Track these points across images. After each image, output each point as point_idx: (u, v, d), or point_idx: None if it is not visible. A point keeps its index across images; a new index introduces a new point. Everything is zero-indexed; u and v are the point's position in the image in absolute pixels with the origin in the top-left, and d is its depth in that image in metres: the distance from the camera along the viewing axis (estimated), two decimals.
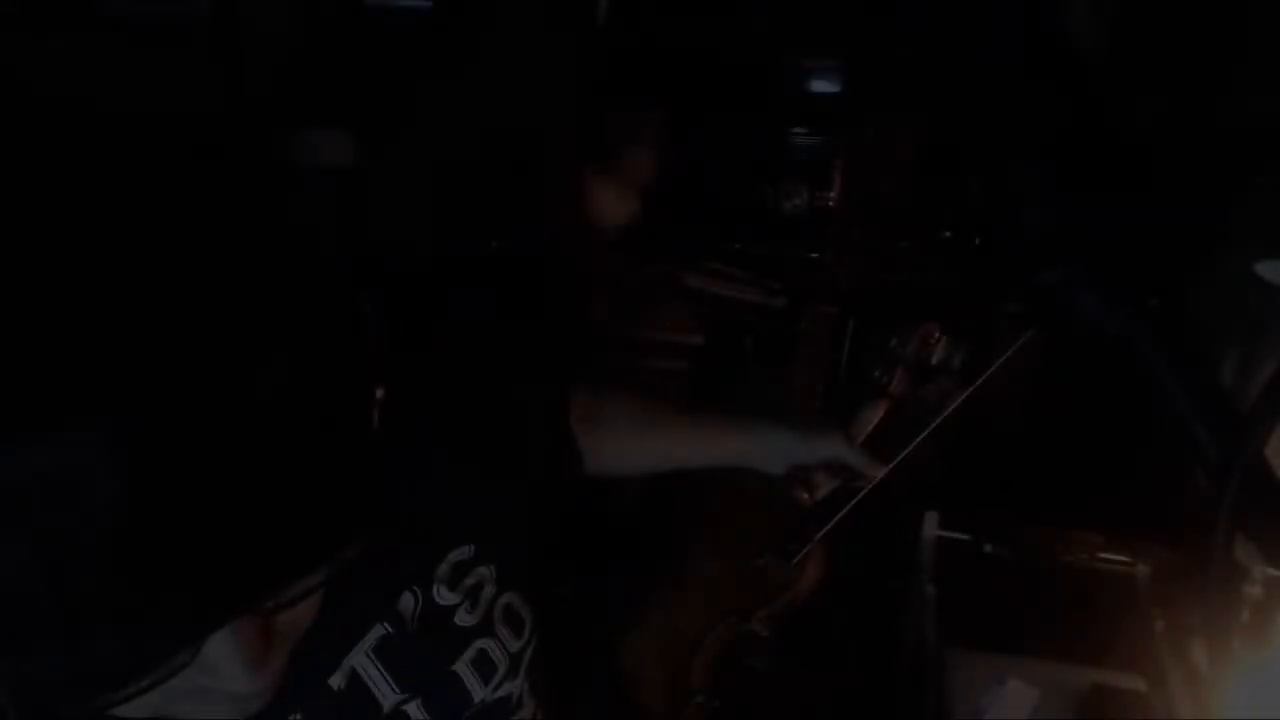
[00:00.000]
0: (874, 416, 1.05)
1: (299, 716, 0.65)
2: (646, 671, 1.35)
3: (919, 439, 1.00)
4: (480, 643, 0.75)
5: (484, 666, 0.75)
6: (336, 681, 0.68)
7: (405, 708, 0.71)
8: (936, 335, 1.12)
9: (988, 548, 1.32)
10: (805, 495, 1.02)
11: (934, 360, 1.11)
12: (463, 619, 0.74)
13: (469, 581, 0.75)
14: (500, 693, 0.76)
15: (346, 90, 1.73)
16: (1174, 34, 1.62)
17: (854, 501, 0.98)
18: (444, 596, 0.74)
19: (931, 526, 1.34)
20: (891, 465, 0.99)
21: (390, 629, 0.71)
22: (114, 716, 0.45)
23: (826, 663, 1.68)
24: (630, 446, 1.04)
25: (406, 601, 0.72)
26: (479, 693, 0.74)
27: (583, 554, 1.37)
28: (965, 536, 1.33)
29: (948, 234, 1.82)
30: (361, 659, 0.69)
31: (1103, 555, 1.31)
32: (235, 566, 0.41)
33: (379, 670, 0.70)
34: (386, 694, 0.70)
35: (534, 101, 1.78)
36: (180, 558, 0.39)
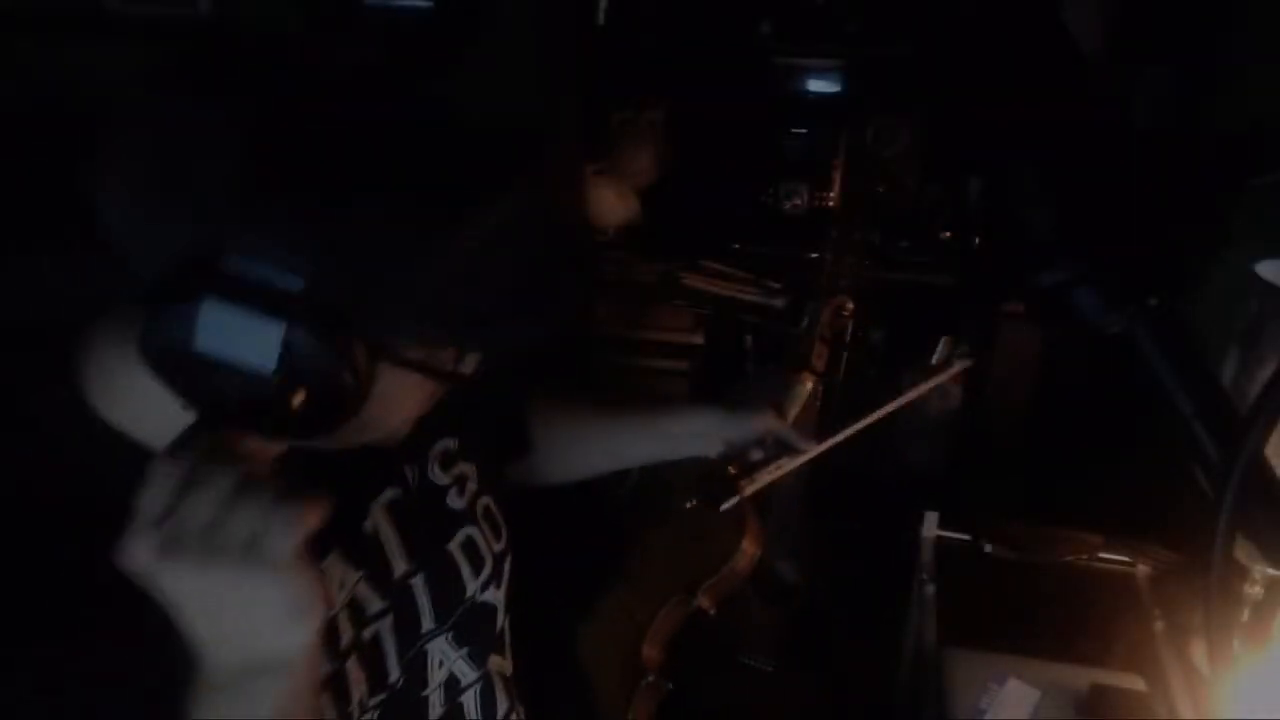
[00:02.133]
0: (802, 391, 1.06)
1: (338, 552, 0.69)
2: (604, 657, 1.37)
3: (854, 429, 1.02)
4: (468, 529, 0.81)
5: (472, 554, 0.80)
6: (369, 526, 0.73)
7: (411, 581, 0.75)
8: (848, 307, 1.14)
9: (988, 548, 1.32)
10: (736, 471, 1.02)
11: (933, 360, 1.12)
12: (453, 501, 0.81)
13: (456, 470, 0.82)
14: (487, 596, 0.81)
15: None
16: (1174, 34, 1.62)
17: (782, 468, 1.00)
18: (437, 475, 0.81)
19: (931, 526, 1.34)
20: (825, 446, 1.00)
21: (398, 491, 0.76)
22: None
23: (826, 663, 1.68)
24: (564, 453, 1.03)
25: (408, 472, 0.78)
26: (470, 584, 0.79)
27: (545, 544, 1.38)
28: (965, 536, 1.33)
29: (948, 234, 1.82)
30: (379, 513, 0.74)
31: (1103, 555, 1.31)
32: None
33: (391, 529, 0.74)
34: (397, 560, 0.74)
35: (534, 101, 1.78)
36: None
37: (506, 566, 0.84)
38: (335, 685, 0.67)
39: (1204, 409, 0.52)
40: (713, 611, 1.44)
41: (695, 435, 1.01)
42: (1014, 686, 1.06)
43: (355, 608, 0.70)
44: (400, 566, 0.74)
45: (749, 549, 1.45)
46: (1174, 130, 1.53)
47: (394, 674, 0.72)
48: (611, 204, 1.89)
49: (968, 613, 1.20)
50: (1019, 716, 1.03)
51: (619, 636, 1.39)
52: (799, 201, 1.90)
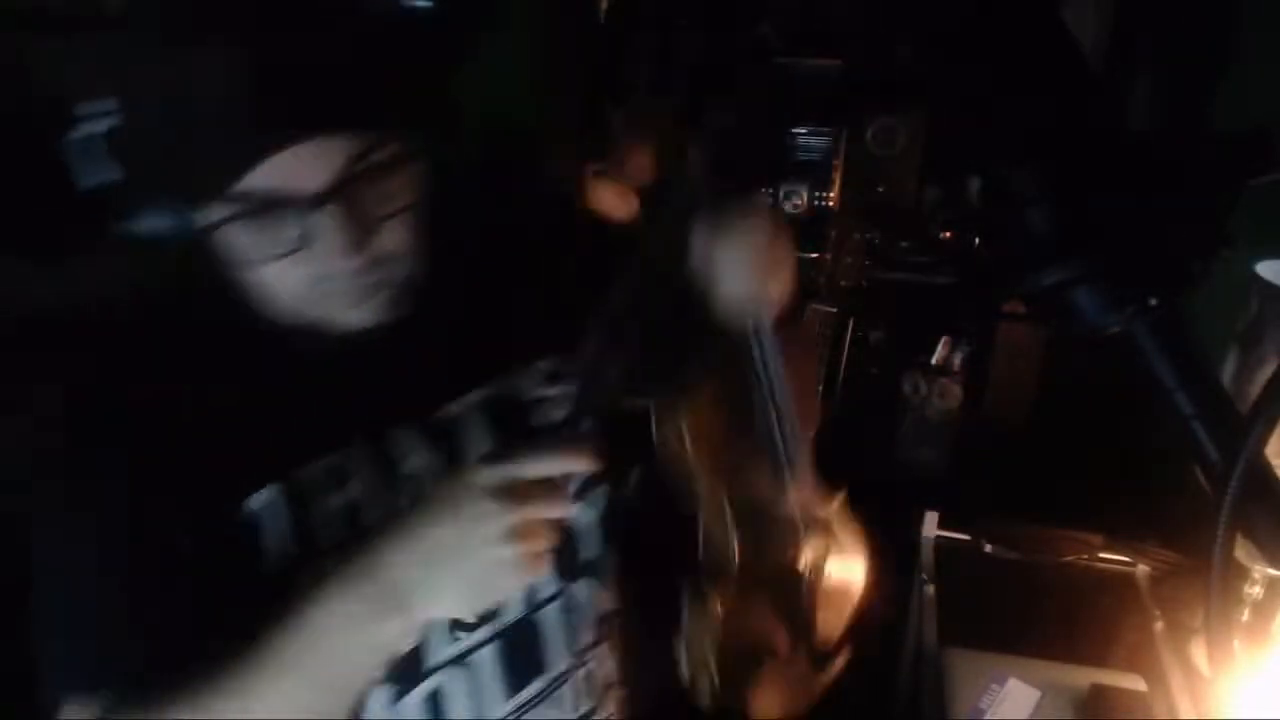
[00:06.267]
0: None
1: (415, 429, 0.77)
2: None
3: None
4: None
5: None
6: (455, 409, 0.79)
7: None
8: None
9: (988, 548, 1.32)
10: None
11: (933, 360, 1.10)
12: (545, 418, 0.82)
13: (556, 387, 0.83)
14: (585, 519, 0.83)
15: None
16: (1174, 34, 1.62)
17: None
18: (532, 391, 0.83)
19: (931, 526, 1.34)
20: None
21: (495, 392, 0.81)
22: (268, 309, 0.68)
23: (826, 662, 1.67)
24: None
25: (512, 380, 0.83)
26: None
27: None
28: (965, 536, 1.33)
29: (947, 234, 1.82)
30: (470, 408, 0.80)
31: (1103, 555, 1.31)
32: None
33: (482, 421, 0.80)
34: (474, 452, 0.78)
35: (535, 101, 1.78)
36: None
37: (599, 490, 0.85)
38: None
39: (1204, 409, 0.52)
40: None
41: None
42: (1014, 686, 1.06)
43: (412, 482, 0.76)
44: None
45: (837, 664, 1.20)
46: (1174, 130, 1.53)
47: None
48: (611, 204, 1.89)
49: (968, 613, 1.20)
50: (1019, 716, 1.03)
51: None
52: (799, 202, 1.90)
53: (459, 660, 0.76)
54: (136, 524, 0.66)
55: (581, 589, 0.84)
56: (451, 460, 0.77)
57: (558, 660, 0.82)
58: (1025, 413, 1.97)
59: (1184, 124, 1.55)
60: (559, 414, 0.80)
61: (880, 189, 1.78)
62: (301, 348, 0.71)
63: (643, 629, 0.95)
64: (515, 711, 0.80)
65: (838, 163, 1.88)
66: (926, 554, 1.30)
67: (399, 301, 0.72)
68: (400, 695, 0.74)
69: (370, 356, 0.72)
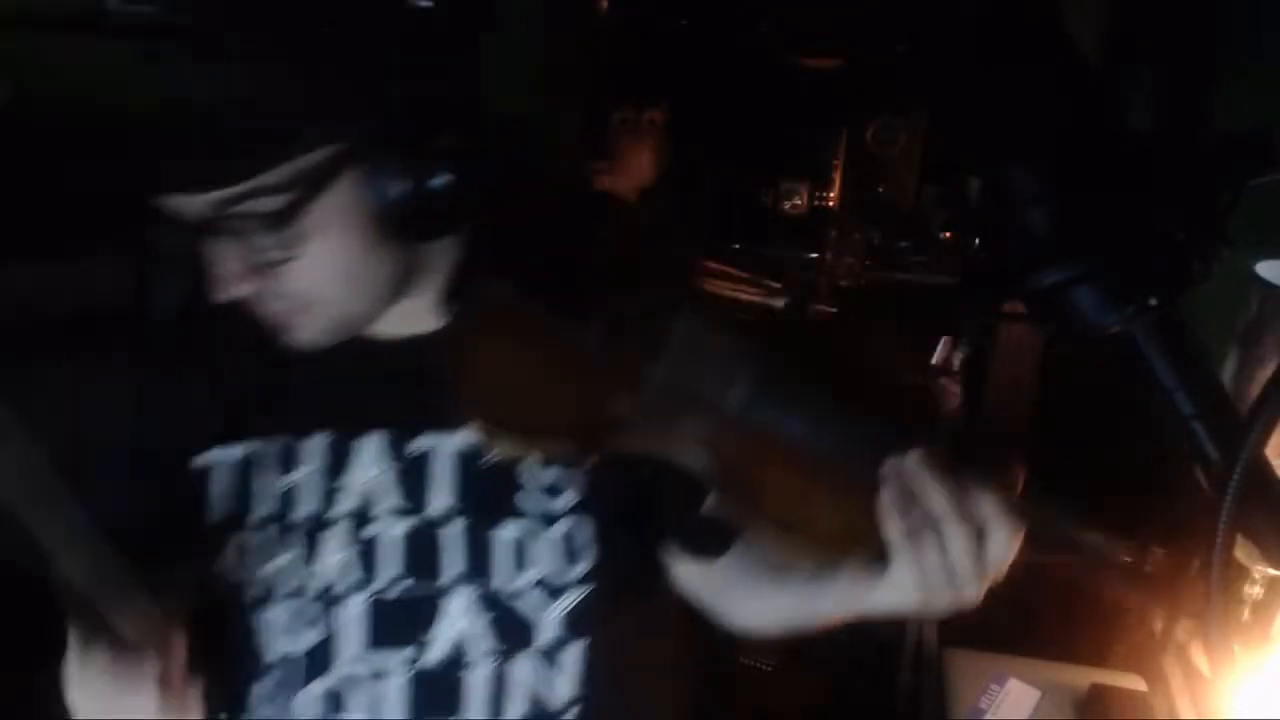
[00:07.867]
0: None
1: (381, 445, 0.78)
2: None
3: None
4: (519, 525, 0.81)
5: (518, 552, 0.79)
6: (414, 448, 0.79)
7: (440, 531, 0.78)
8: None
9: None
10: None
11: (933, 360, 1.10)
12: (523, 498, 0.81)
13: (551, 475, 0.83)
14: (524, 605, 0.79)
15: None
16: (1173, 34, 1.62)
17: None
18: (533, 473, 0.82)
19: None
20: None
21: (471, 446, 0.79)
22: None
23: (826, 663, 1.67)
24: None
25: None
26: (500, 578, 0.79)
27: None
28: None
29: (947, 234, 1.82)
30: (441, 449, 0.80)
31: (1103, 555, 1.31)
32: None
33: (448, 471, 0.80)
34: (436, 497, 0.78)
35: (535, 101, 1.78)
36: None
37: (570, 598, 0.78)
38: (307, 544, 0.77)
39: (1204, 409, 0.52)
40: None
41: None
42: (1014, 686, 1.06)
43: (358, 517, 0.78)
44: (440, 504, 0.77)
45: None
46: (1174, 130, 1.53)
47: (393, 573, 0.78)
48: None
49: (968, 613, 1.20)
50: (1019, 716, 1.03)
51: None
52: (799, 201, 1.90)
53: (372, 675, 0.78)
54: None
55: (522, 668, 0.79)
56: (407, 487, 0.78)
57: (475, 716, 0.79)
58: (1025, 413, 1.97)
59: (1184, 124, 1.55)
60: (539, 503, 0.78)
61: (880, 189, 1.78)
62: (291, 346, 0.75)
63: None
64: None
65: (838, 163, 1.88)
66: None
67: (345, 330, 0.73)
68: (308, 680, 0.78)
69: (365, 365, 0.77)
